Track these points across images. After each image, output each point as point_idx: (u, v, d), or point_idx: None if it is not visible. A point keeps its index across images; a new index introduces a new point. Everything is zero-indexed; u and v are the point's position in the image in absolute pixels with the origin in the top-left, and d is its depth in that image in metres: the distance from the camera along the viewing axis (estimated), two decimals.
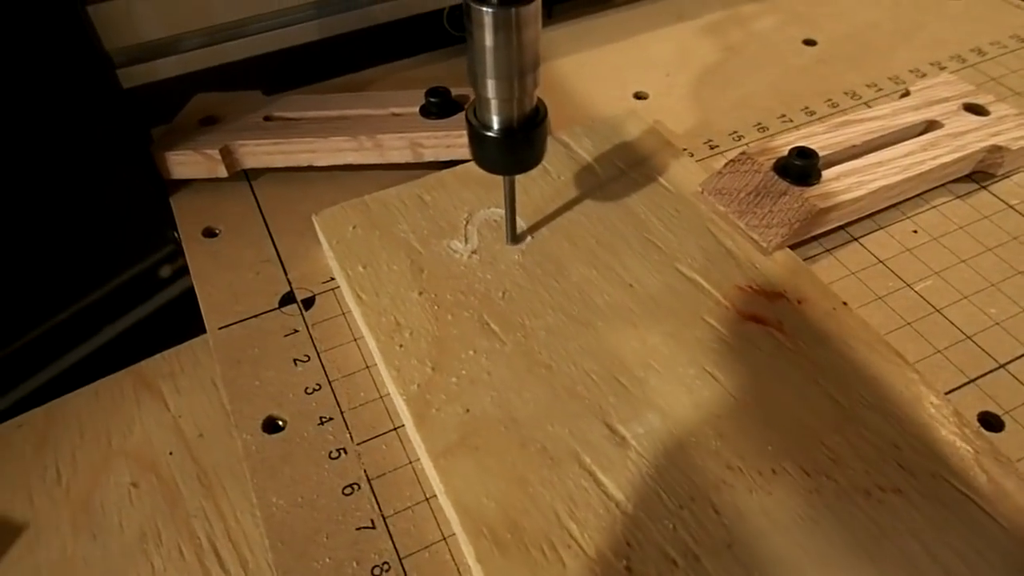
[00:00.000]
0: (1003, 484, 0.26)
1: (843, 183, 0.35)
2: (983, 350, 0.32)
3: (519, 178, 0.36)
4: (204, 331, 0.38)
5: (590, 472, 0.26)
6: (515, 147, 0.29)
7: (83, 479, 0.35)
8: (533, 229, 0.35)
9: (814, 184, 0.35)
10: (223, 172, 0.39)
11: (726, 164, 0.36)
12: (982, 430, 0.28)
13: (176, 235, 0.42)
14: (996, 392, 0.30)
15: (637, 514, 0.25)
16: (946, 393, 0.30)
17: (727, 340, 0.30)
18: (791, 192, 0.34)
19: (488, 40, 0.26)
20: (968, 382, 0.31)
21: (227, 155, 0.39)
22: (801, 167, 0.34)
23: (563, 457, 0.27)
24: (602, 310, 0.31)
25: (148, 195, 0.39)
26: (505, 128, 0.29)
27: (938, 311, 0.33)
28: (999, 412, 0.30)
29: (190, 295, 0.40)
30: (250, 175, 0.41)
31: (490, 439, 0.27)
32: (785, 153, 0.35)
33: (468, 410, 0.28)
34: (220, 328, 0.34)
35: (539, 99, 0.29)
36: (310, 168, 0.40)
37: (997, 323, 0.33)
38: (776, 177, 0.35)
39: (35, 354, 0.45)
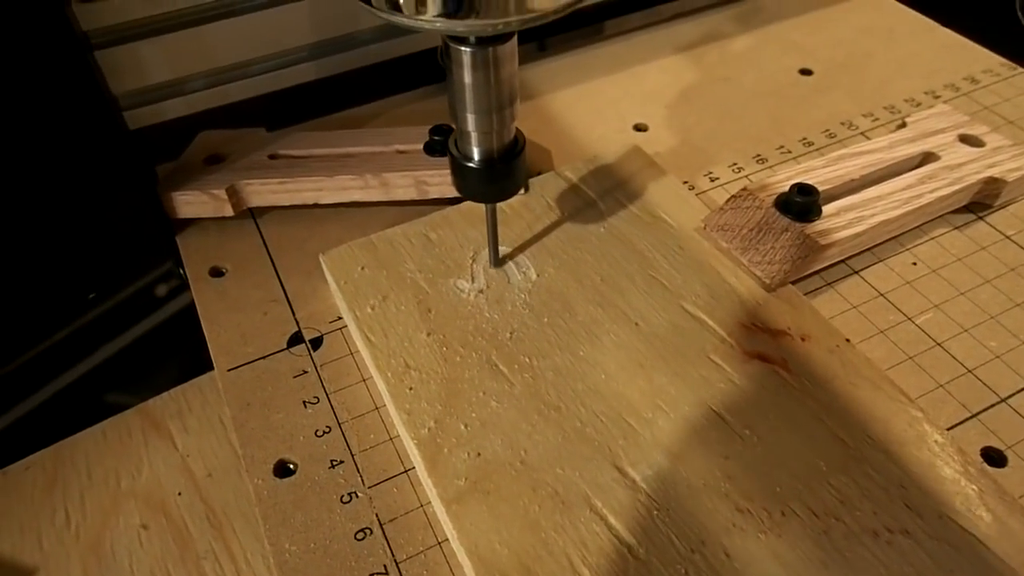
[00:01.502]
0: (1008, 523, 0.26)
1: (843, 218, 0.35)
2: (984, 384, 0.32)
3: (519, 212, 0.37)
4: (210, 368, 0.39)
5: (601, 516, 0.27)
6: (495, 177, 0.31)
7: (92, 521, 0.36)
8: (539, 267, 0.35)
9: (815, 220, 0.35)
10: (229, 211, 0.39)
11: (728, 200, 0.37)
12: (986, 466, 0.29)
13: (182, 273, 0.42)
14: (998, 427, 0.31)
15: (649, 559, 0.25)
16: (948, 428, 0.31)
17: (733, 379, 0.30)
18: (792, 228, 0.35)
19: (467, 77, 0.27)
20: (970, 417, 0.31)
21: (233, 194, 0.39)
22: (802, 203, 0.35)
23: (574, 501, 0.27)
24: (609, 350, 0.32)
25: (154, 234, 0.39)
26: (486, 159, 0.30)
27: (939, 344, 0.34)
28: (1001, 447, 0.30)
29: (195, 332, 0.40)
30: (255, 213, 0.41)
31: (501, 483, 0.28)
32: (786, 189, 0.36)
33: (479, 454, 0.28)
34: (229, 370, 0.34)
35: (518, 130, 0.31)
36: (315, 205, 0.40)
37: (997, 356, 0.33)
38: (777, 213, 0.35)
39: (37, 382, 0.45)
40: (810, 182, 0.36)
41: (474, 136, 0.29)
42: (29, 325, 0.46)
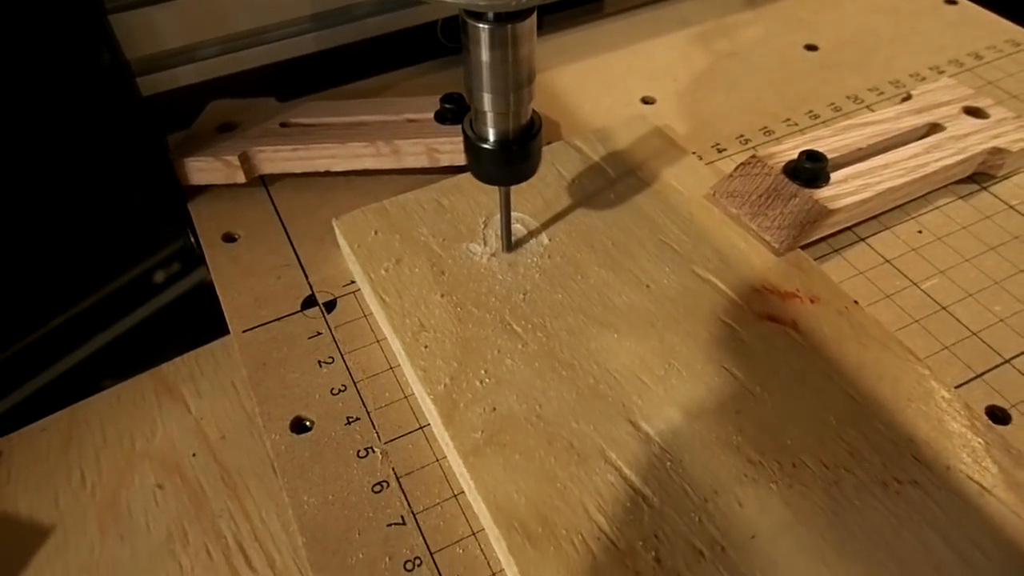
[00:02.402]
0: (1015, 474, 0.27)
1: (851, 185, 0.36)
2: (989, 346, 0.33)
3: (531, 180, 0.37)
4: (221, 334, 0.39)
5: (616, 467, 0.27)
6: (511, 159, 0.30)
7: (108, 481, 0.36)
8: (551, 233, 0.36)
9: (823, 186, 0.35)
10: (241, 178, 0.40)
11: (737, 167, 0.37)
12: (991, 423, 0.29)
13: (193, 240, 0.43)
14: (1002, 387, 0.31)
15: (663, 508, 0.26)
16: (955, 387, 0.31)
17: (744, 339, 0.31)
18: (801, 194, 0.35)
19: (485, 56, 0.27)
20: (975, 377, 0.32)
21: (245, 161, 0.39)
22: (811, 170, 0.35)
23: (590, 453, 0.27)
24: (621, 311, 0.32)
25: (167, 201, 0.40)
26: (501, 140, 0.29)
27: (944, 309, 0.34)
28: (1005, 406, 0.31)
29: (205, 298, 0.40)
30: (266, 180, 0.41)
31: (517, 436, 0.28)
32: (794, 156, 0.36)
33: (495, 409, 0.29)
34: (244, 331, 0.34)
35: (534, 112, 0.30)
36: (327, 173, 0.40)
37: (1001, 320, 0.34)
38: (786, 180, 0.36)
39: (47, 352, 0.45)
40: (817, 148, 0.36)
41: (490, 116, 0.29)
42: (41, 300, 0.46)
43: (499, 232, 0.35)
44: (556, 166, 0.39)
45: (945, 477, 0.27)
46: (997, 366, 0.32)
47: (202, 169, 0.39)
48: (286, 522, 0.34)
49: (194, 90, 0.42)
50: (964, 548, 0.25)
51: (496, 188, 0.33)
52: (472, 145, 0.30)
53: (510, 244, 0.35)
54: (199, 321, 0.45)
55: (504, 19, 0.26)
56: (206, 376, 0.40)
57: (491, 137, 0.30)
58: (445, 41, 0.49)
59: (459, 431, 0.28)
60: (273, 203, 0.40)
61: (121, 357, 0.44)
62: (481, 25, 0.26)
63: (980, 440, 0.27)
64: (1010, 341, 0.33)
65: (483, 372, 0.30)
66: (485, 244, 0.35)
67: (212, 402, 0.39)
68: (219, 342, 0.42)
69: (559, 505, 0.26)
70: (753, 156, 0.37)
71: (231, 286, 0.36)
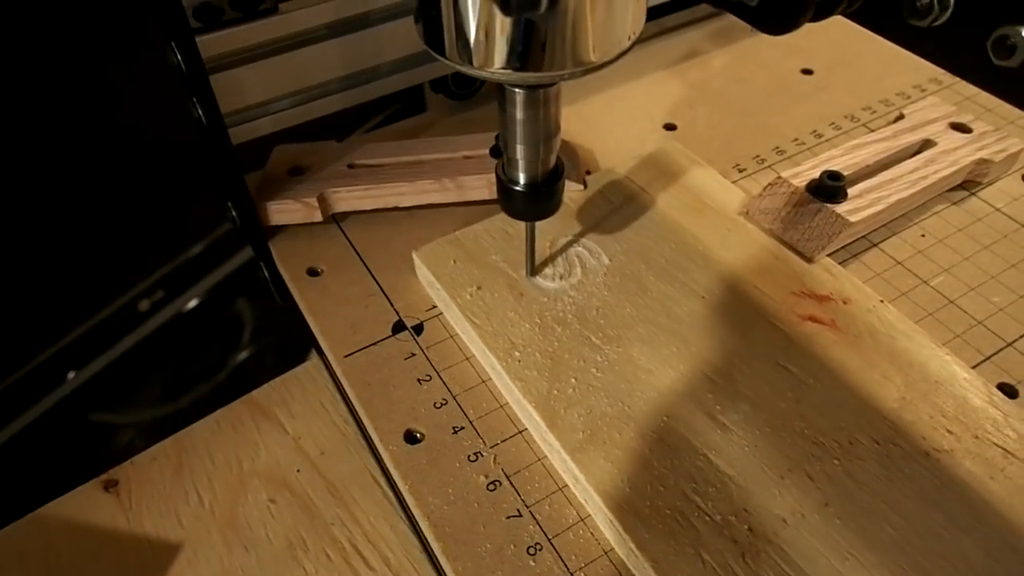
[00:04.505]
0: None
1: (866, 199, 0.41)
2: (993, 332, 0.38)
3: (582, 206, 0.42)
4: (302, 361, 0.43)
5: (703, 454, 0.32)
6: (539, 199, 0.34)
7: (223, 500, 0.40)
8: (610, 254, 0.40)
9: (842, 201, 0.41)
10: (319, 217, 0.44)
11: (765, 187, 0.42)
12: (1005, 397, 0.35)
13: (265, 275, 0.46)
14: (1009, 366, 0.37)
15: (748, 485, 0.31)
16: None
17: (792, 338, 0.36)
18: (824, 210, 0.40)
19: (519, 114, 0.31)
20: (984, 359, 0.37)
21: (322, 201, 0.43)
22: (832, 187, 0.40)
23: (678, 444, 0.32)
24: (684, 320, 0.37)
25: (255, 241, 0.43)
26: (530, 183, 0.34)
27: (952, 302, 0.40)
28: (1013, 382, 0.36)
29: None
30: (338, 218, 0.45)
31: (612, 434, 0.33)
32: (814, 175, 0.42)
33: (590, 411, 0.33)
34: (345, 356, 0.38)
35: (558, 158, 0.34)
36: (394, 208, 0.45)
37: (1001, 309, 0.39)
38: (810, 197, 0.41)
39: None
40: (834, 168, 0.42)
41: (521, 163, 0.33)
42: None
43: (564, 255, 0.40)
44: (603, 192, 0.44)
45: (972, 445, 0.32)
46: (1002, 349, 0.38)
47: (283, 211, 0.43)
48: (394, 525, 0.38)
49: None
50: (995, 501, 0.30)
51: (559, 215, 0.37)
52: (505, 187, 0.34)
53: (533, 269, 0.39)
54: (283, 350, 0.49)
55: (536, 86, 0.30)
56: (296, 399, 0.44)
57: (522, 180, 0.34)
58: (455, 89, 0.53)
59: (563, 433, 0.33)
60: (348, 238, 0.44)
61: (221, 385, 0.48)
62: (517, 89, 0.30)
63: (999, 412, 0.33)
64: (1010, 327, 0.39)
65: (573, 380, 0.35)
66: (553, 267, 0.40)
67: (306, 422, 0.43)
68: (301, 368, 0.46)
69: (660, 489, 0.31)
70: (778, 177, 0.42)
71: (324, 315, 0.40)
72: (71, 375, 0.56)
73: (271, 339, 0.59)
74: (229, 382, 0.57)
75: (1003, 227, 0.44)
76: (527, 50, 0.26)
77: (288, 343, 0.50)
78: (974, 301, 0.40)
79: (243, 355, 0.59)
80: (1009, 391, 0.36)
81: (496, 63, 0.26)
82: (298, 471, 0.41)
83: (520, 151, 0.32)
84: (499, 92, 0.31)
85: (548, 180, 0.34)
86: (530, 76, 0.27)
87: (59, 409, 0.55)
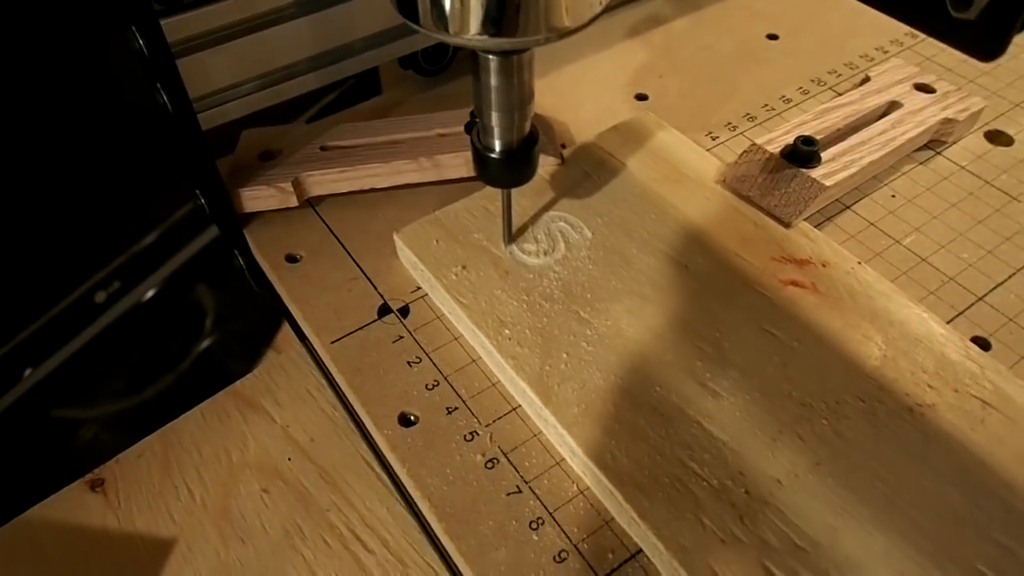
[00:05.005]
0: (1005, 389, 0.33)
1: (839, 162, 0.42)
2: (964, 288, 0.40)
3: (560, 180, 0.42)
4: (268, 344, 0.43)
5: (696, 422, 0.32)
6: (515, 166, 0.35)
7: (215, 493, 0.39)
8: (592, 227, 0.40)
9: (816, 166, 0.41)
10: (295, 202, 0.43)
11: (741, 155, 0.43)
12: (980, 351, 0.36)
13: (240, 262, 0.45)
14: (980, 320, 0.38)
15: (742, 449, 0.31)
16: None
17: (775, 303, 0.37)
18: (800, 175, 0.41)
19: (493, 81, 0.31)
20: (958, 314, 0.39)
21: (297, 186, 0.42)
22: (807, 152, 0.41)
23: (672, 413, 0.33)
24: (669, 290, 0.37)
25: (228, 229, 0.42)
26: (506, 150, 0.34)
27: (924, 260, 0.41)
28: (985, 335, 0.38)
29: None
30: (313, 202, 0.45)
31: (607, 407, 0.33)
32: (788, 141, 0.42)
33: (583, 385, 0.34)
34: (332, 342, 0.38)
35: (532, 125, 0.34)
36: (370, 190, 0.44)
37: (970, 265, 0.41)
38: (785, 163, 0.42)
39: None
40: (807, 134, 0.42)
41: (496, 131, 0.33)
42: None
43: (547, 231, 0.40)
44: (580, 165, 0.44)
45: (953, 399, 0.33)
46: (973, 304, 0.39)
47: (258, 197, 0.42)
48: (391, 507, 0.38)
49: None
50: (979, 452, 0.31)
51: (539, 191, 0.38)
52: (480, 155, 0.34)
53: (511, 237, 0.39)
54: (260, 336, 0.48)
55: (511, 51, 0.30)
56: (282, 388, 0.43)
57: (497, 148, 0.34)
58: (425, 65, 0.53)
59: (558, 408, 0.33)
60: (325, 223, 0.44)
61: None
62: (491, 56, 0.30)
63: (976, 365, 0.34)
64: (979, 282, 0.40)
65: (564, 355, 0.35)
66: (536, 243, 0.40)
67: (294, 410, 0.42)
68: (284, 355, 0.45)
69: (657, 459, 0.31)
70: (753, 144, 0.43)
71: (307, 302, 0.40)
72: (27, 372, 0.55)
73: (236, 325, 0.58)
74: (194, 370, 0.56)
75: (969, 185, 0.45)
76: (502, 15, 0.26)
77: (254, 328, 0.50)
78: (945, 258, 0.41)
79: (207, 342, 0.58)
80: (983, 344, 0.37)
81: (471, 29, 0.27)
82: (289, 459, 0.40)
83: (495, 118, 0.33)
84: (472, 60, 0.31)
85: (524, 147, 0.34)
86: (505, 42, 0.27)
87: (17, 408, 0.53)
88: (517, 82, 0.31)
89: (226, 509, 0.38)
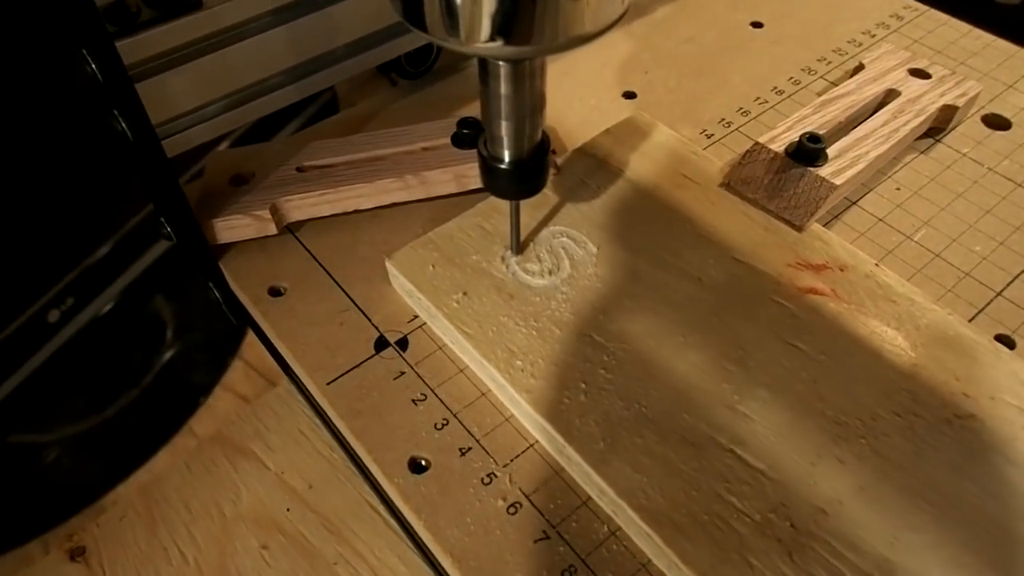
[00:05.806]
0: None
1: (846, 158, 0.40)
2: (981, 283, 0.38)
3: (557, 191, 0.40)
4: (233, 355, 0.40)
5: (730, 450, 0.30)
6: (525, 176, 0.33)
7: (209, 553, 0.36)
8: (596, 241, 0.38)
9: (823, 164, 0.40)
10: (273, 230, 0.40)
11: (744, 155, 0.41)
12: (1008, 351, 0.35)
13: (216, 295, 0.42)
14: (1002, 317, 0.37)
15: (781, 478, 0.30)
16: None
17: (797, 314, 0.35)
18: (808, 174, 0.39)
19: (504, 89, 0.29)
20: (979, 312, 0.37)
21: (275, 212, 0.39)
22: (814, 150, 0.39)
23: (703, 442, 0.31)
24: (684, 306, 0.35)
25: (202, 264, 0.39)
26: (516, 160, 0.32)
27: (938, 256, 0.40)
28: (1008, 333, 0.36)
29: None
30: (292, 227, 0.41)
31: (634, 440, 0.31)
32: (793, 138, 0.40)
33: (606, 417, 0.32)
34: (328, 384, 0.35)
35: (543, 131, 0.32)
36: (355, 212, 0.41)
37: (984, 258, 0.40)
38: (791, 162, 0.40)
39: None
40: (810, 130, 0.40)
41: (506, 140, 0.31)
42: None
43: (549, 248, 0.38)
44: (576, 174, 0.41)
45: (990, 407, 0.32)
46: (992, 300, 0.38)
47: (233, 227, 0.39)
48: (402, 555, 0.36)
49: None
50: (1021, 463, 0.30)
51: (537, 204, 0.35)
52: (489, 165, 0.32)
53: (519, 248, 0.37)
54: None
55: (524, 58, 0.28)
56: (272, 430, 0.41)
57: (507, 158, 0.32)
58: (409, 68, 0.50)
59: (582, 445, 0.31)
60: (308, 250, 0.40)
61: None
62: (502, 63, 0.28)
63: (1008, 369, 0.33)
64: (996, 276, 0.39)
65: (583, 385, 0.33)
66: (540, 262, 0.37)
67: (287, 454, 0.39)
68: (272, 393, 0.42)
69: (693, 494, 0.29)
70: (756, 143, 0.41)
71: (296, 339, 0.37)
72: None
73: (198, 335, 0.55)
74: (157, 384, 0.53)
75: (972, 173, 0.44)
76: (519, 22, 0.24)
77: (217, 337, 0.47)
78: (958, 253, 0.40)
79: (169, 354, 0.55)
80: (1008, 342, 0.36)
81: (484, 36, 0.24)
82: (288, 510, 0.38)
83: (505, 127, 0.30)
84: (480, 66, 0.29)
85: (535, 156, 0.32)
86: (525, 50, 0.25)
87: None
88: (529, 89, 0.29)
89: (223, 570, 0.36)
